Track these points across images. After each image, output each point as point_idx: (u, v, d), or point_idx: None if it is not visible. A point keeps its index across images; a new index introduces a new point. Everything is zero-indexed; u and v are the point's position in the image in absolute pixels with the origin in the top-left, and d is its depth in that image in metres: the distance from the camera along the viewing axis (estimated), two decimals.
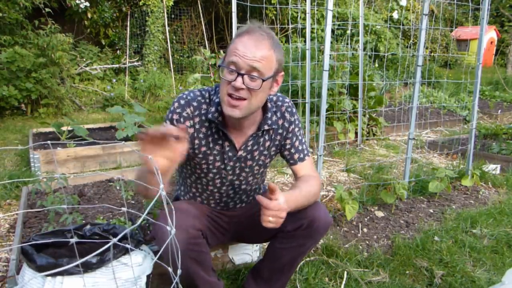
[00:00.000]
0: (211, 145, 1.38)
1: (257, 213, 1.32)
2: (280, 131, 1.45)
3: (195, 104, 1.35)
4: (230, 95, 1.23)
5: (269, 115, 1.39)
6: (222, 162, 1.42)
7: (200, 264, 1.33)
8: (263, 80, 1.22)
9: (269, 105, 1.40)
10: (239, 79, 1.20)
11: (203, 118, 1.36)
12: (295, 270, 1.76)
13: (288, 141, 1.47)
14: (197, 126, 1.36)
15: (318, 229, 1.40)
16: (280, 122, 1.44)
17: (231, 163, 1.43)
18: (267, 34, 1.24)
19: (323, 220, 1.39)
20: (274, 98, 1.45)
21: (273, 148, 1.48)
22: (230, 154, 1.40)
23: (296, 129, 1.48)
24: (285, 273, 1.53)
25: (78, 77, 6.69)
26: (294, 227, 1.39)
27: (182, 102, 1.35)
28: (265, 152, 1.46)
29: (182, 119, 1.34)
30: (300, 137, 1.49)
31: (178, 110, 1.34)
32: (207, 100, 1.37)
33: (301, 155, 1.48)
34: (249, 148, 1.42)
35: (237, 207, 1.59)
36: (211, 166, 1.42)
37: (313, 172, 1.50)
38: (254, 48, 1.20)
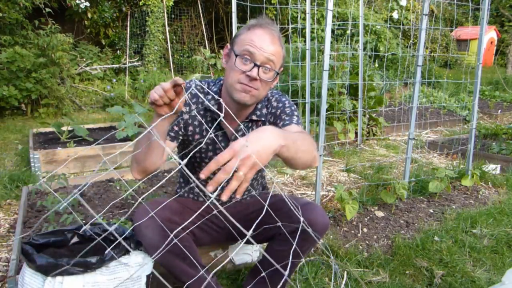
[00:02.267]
0: (204, 133, 1.43)
1: (254, 212, 1.31)
2: (268, 117, 1.47)
3: (193, 92, 1.41)
4: (241, 83, 1.28)
5: (259, 106, 1.44)
6: (214, 153, 1.46)
7: (181, 257, 1.32)
8: (277, 73, 1.31)
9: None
10: (255, 70, 1.25)
11: (199, 106, 1.42)
12: (295, 270, 1.77)
13: (277, 119, 1.43)
14: (192, 114, 1.41)
15: (316, 233, 1.38)
16: (268, 110, 1.47)
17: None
18: (276, 31, 1.30)
19: (320, 223, 1.38)
20: (268, 94, 1.48)
21: None
22: (222, 144, 1.44)
23: (286, 109, 1.43)
24: (283, 275, 1.53)
25: (78, 77, 6.69)
26: (291, 230, 1.38)
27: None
28: None
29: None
30: (289, 112, 1.42)
31: None
32: (206, 90, 1.43)
33: (287, 122, 1.40)
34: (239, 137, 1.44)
35: (233, 201, 1.59)
36: (203, 155, 1.47)
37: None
38: (270, 42, 1.26)
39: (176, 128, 1.42)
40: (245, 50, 1.25)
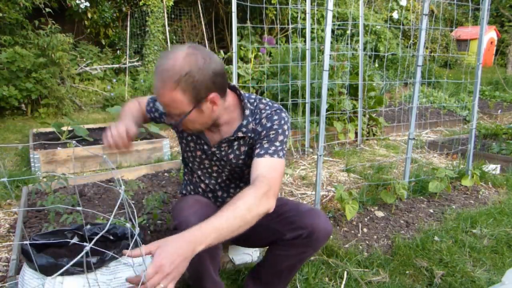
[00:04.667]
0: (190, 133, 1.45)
1: None
2: (252, 135, 1.38)
3: None
4: None
5: (244, 122, 1.35)
6: (202, 152, 1.47)
7: (212, 260, 1.35)
8: (183, 116, 1.21)
9: (247, 112, 1.35)
10: (169, 117, 1.26)
11: None
12: (294, 275, 1.76)
13: (258, 141, 1.35)
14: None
15: (318, 239, 1.37)
16: (256, 127, 1.37)
17: (210, 154, 1.47)
18: (172, 64, 1.13)
19: (323, 230, 1.36)
20: (261, 106, 1.38)
21: (250, 151, 1.42)
22: (205, 147, 1.45)
23: (271, 132, 1.32)
24: (284, 278, 1.53)
25: (78, 77, 6.69)
26: (293, 236, 1.37)
27: None
28: (242, 156, 1.44)
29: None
30: (272, 140, 1.32)
31: None
32: None
33: (262, 152, 1.29)
34: (222, 149, 1.43)
35: None
36: (194, 154, 1.50)
37: (264, 177, 1.22)
38: (159, 95, 1.18)
39: (156, 114, 1.56)
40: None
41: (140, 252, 0.91)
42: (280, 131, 1.33)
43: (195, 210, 1.31)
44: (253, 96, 1.42)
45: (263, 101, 1.40)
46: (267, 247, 1.56)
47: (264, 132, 1.33)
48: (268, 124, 1.34)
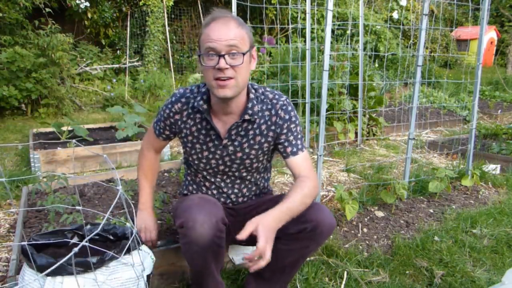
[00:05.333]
0: (196, 134, 1.48)
1: (260, 213, 1.32)
2: (273, 127, 1.47)
3: (183, 100, 1.48)
4: (217, 79, 1.29)
5: (250, 105, 1.42)
6: (209, 152, 1.49)
7: (216, 260, 1.36)
8: (243, 54, 1.30)
9: (251, 95, 1.43)
10: (222, 60, 1.27)
11: (190, 111, 1.47)
12: (296, 274, 1.76)
13: (282, 136, 1.47)
14: (184, 119, 1.48)
15: (322, 233, 1.40)
16: (274, 119, 1.46)
17: (219, 152, 1.48)
18: (230, 15, 1.33)
19: (327, 224, 1.39)
20: (270, 96, 1.47)
21: (266, 144, 1.49)
22: (216, 142, 1.47)
23: (292, 126, 1.48)
24: (286, 274, 1.54)
25: (78, 77, 6.69)
26: (297, 230, 1.39)
27: (173, 99, 1.50)
28: (256, 147, 1.48)
29: (171, 114, 1.50)
30: (295, 133, 1.49)
31: (169, 106, 1.51)
32: (195, 94, 1.47)
33: (294, 149, 1.47)
34: (233, 138, 1.46)
35: (240, 200, 1.60)
36: (200, 155, 1.51)
37: (307, 171, 1.48)
38: (225, 30, 1.27)
39: (167, 133, 1.56)
40: (207, 47, 1.28)
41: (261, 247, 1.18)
42: (297, 122, 1.49)
43: (201, 206, 1.32)
44: (255, 85, 1.51)
45: (268, 89, 1.49)
46: None
47: (286, 125, 1.46)
48: (287, 116, 1.46)
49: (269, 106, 1.46)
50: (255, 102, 1.43)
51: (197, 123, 1.47)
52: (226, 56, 1.27)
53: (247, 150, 1.48)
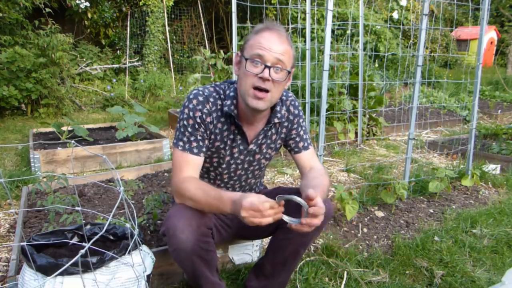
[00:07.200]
0: (225, 139, 1.43)
1: None
2: (286, 123, 1.50)
3: (212, 100, 1.40)
4: (255, 88, 1.28)
5: (278, 108, 1.44)
6: (231, 157, 1.47)
7: (206, 263, 1.36)
8: (288, 72, 1.31)
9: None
10: (266, 70, 1.26)
11: (219, 113, 1.40)
12: (296, 268, 1.77)
13: (293, 131, 1.52)
14: (214, 122, 1.40)
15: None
16: (286, 115, 1.49)
17: (241, 157, 1.48)
18: (283, 31, 1.32)
19: (326, 209, 1.39)
20: (283, 93, 1.50)
21: (279, 141, 1.53)
22: (241, 147, 1.46)
23: (301, 120, 1.53)
24: (287, 267, 1.54)
25: (78, 77, 6.69)
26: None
27: (201, 98, 1.38)
28: (272, 145, 1.52)
29: (204, 116, 1.37)
30: (304, 128, 1.54)
31: (199, 107, 1.36)
32: (222, 96, 1.42)
33: (305, 144, 1.53)
34: (259, 142, 1.47)
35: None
36: (221, 161, 1.47)
37: (319, 164, 1.54)
38: (278, 42, 1.27)
39: (206, 143, 1.41)
40: (254, 54, 1.27)
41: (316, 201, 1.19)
42: (303, 116, 1.54)
43: (182, 213, 1.29)
44: None
45: None
46: (267, 245, 1.57)
47: (296, 120, 1.51)
48: (296, 111, 1.51)
49: (281, 104, 1.48)
50: (281, 104, 1.47)
51: (228, 127, 1.42)
52: (271, 69, 1.27)
53: (265, 151, 1.51)
